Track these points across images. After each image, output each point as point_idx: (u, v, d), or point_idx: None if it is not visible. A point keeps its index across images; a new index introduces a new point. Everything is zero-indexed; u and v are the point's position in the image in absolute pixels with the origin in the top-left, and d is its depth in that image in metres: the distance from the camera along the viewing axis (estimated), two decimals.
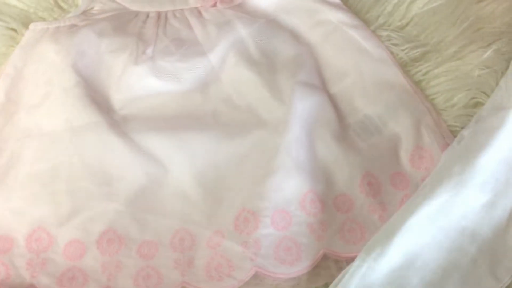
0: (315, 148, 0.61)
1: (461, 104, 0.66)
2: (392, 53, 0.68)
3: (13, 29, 0.71)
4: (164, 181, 0.61)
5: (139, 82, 0.66)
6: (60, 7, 0.75)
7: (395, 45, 0.68)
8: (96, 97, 0.65)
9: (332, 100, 0.66)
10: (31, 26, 0.69)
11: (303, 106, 0.63)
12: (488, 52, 0.66)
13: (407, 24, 0.70)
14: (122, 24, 0.70)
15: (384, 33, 0.69)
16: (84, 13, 0.72)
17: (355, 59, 0.68)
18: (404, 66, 0.68)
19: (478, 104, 0.66)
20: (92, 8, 0.73)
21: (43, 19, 0.73)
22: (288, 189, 0.59)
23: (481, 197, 0.56)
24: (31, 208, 0.59)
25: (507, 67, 0.64)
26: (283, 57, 0.68)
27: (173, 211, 0.60)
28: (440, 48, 0.68)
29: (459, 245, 0.55)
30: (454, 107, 0.66)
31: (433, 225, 0.55)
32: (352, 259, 0.55)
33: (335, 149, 0.61)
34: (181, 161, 0.61)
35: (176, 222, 0.59)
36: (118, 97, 0.66)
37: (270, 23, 0.70)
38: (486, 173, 0.57)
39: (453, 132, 0.65)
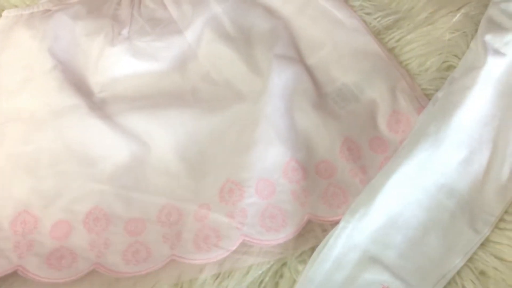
0: (294, 118, 0.62)
1: (434, 68, 0.67)
2: (365, 22, 0.69)
3: None
4: (147, 158, 0.61)
5: (117, 63, 0.66)
6: None
7: (368, 14, 0.69)
8: (75, 80, 0.64)
9: (309, 71, 0.67)
10: (4, 13, 0.69)
11: (281, 78, 0.63)
12: (458, 16, 0.67)
13: None
14: (96, 6, 0.70)
15: (357, 3, 0.70)
16: None
17: (330, 30, 0.69)
18: (378, 34, 0.69)
19: (450, 67, 0.67)
20: None
21: (15, 6, 0.72)
22: (271, 159, 0.60)
23: (457, 154, 0.58)
24: (14, 191, 0.59)
25: (477, 30, 0.66)
26: (258, 31, 0.68)
27: (158, 187, 0.60)
28: (411, 14, 0.69)
29: (438, 202, 0.56)
30: (427, 71, 0.67)
31: (412, 184, 0.57)
32: (337, 222, 0.57)
33: (314, 117, 0.62)
34: (163, 138, 0.62)
35: (162, 198, 0.60)
36: (96, 80, 0.66)
37: None
38: (460, 131, 0.58)
39: (428, 95, 0.66)
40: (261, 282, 0.56)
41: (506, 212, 0.58)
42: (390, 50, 0.69)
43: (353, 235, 0.55)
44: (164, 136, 0.62)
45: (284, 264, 0.57)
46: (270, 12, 0.70)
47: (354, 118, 0.64)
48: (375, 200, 0.56)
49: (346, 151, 0.61)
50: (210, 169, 0.61)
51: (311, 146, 0.62)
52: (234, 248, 0.56)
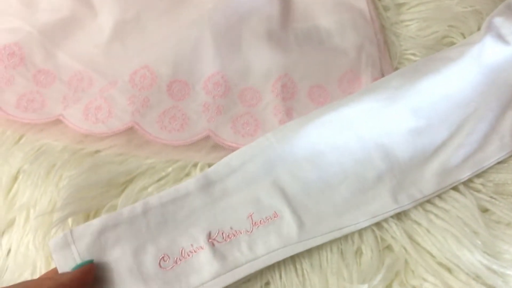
0: (242, 37, 0.59)
1: (432, 37, 0.61)
2: None
3: None
4: (88, 21, 0.60)
5: None
6: None
7: None
8: None
9: (287, 1, 0.63)
10: None
11: None
12: None
13: None
14: None
15: None
16: None
17: None
18: None
19: (450, 45, 0.61)
20: None
21: None
22: (198, 62, 0.56)
23: (411, 120, 0.53)
24: None
25: (492, 10, 0.59)
26: None
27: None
28: None
29: (370, 159, 0.52)
30: (424, 37, 0.62)
31: (350, 129, 0.52)
32: (234, 149, 0.52)
33: (262, 43, 0.58)
34: (109, 8, 0.60)
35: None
36: None
37: None
38: (424, 98, 0.53)
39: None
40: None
41: (439, 197, 0.52)
42: (397, 7, 0.63)
43: (267, 153, 0.51)
44: (111, 6, 0.60)
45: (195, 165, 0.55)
46: None
47: (306, 59, 0.59)
48: (304, 129, 0.51)
49: (280, 86, 0.56)
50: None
51: (247, 69, 0.58)
52: (120, 131, 0.53)
